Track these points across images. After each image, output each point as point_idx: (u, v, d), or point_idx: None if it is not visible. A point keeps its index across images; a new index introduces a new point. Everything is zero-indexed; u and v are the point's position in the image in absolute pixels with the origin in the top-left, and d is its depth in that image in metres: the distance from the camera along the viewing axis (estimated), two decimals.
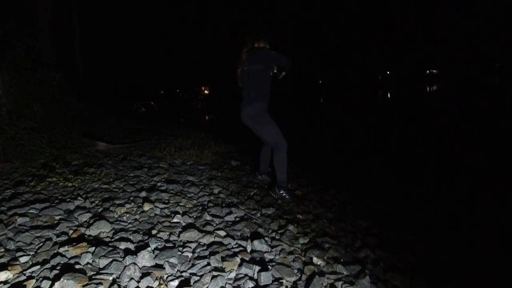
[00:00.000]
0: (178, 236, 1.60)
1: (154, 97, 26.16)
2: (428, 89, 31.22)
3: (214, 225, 1.80)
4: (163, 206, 1.98)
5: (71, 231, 1.56)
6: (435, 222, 2.50)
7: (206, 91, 44.99)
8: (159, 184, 2.54)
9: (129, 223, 1.73)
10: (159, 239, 1.53)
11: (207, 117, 18.28)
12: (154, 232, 1.61)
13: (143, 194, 2.19)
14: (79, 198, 2.02)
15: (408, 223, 2.41)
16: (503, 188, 3.19)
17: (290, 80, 2.77)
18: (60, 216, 1.74)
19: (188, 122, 12.98)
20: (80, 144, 4.36)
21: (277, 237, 1.73)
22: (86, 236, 1.53)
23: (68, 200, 1.98)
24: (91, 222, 1.64)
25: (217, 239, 1.59)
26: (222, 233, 1.66)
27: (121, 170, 2.96)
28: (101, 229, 1.57)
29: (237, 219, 1.92)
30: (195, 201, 2.22)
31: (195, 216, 1.91)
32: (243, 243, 1.56)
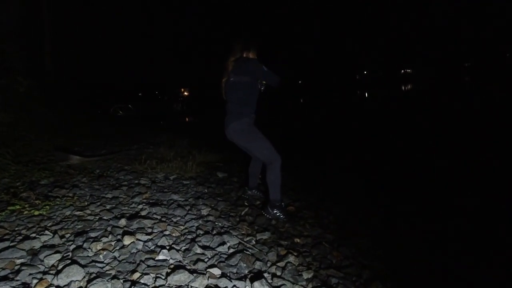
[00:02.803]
0: (166, 279, 1.38)
1: (132, 100, 25.33)
2: (403, 88, 32.23)
3: (206, 260, 1.58)
4: (146, 238, 1.75)
5: (34, 282, 1.30)
6: (430, 232, 2.40)
7: (186, 93, 44.15)
8: (140, 207, 2.29)
9: (107, 263, 1.49)
10: (144, 286, 1.30)
11: (187, 119, 17.90)
12: (136, 275, 1.38)
13: (123, 222, 1.94)
14: (46, 232, 1.75)
15: (406, 236, 2.31)
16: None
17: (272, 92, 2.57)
18: (22, 260, 1.47)
19: (169, 126, 12.57)
20: (51, 158, 3.99)
21: (278, 272, 1.54)
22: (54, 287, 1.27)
23: (33, 236, 1.70)
24: (60, 267, 1.39)
25: (211, 281, 1.38)
26: (217, 271, 1.46)
27: (97, 190, 2.67)
28: (72, 276, 1.32)
29: (231, 250, 1.72)
30: (182, 227, 2.00)
31: (183, 249, 1.68)
32: (241, 284, 1.36)
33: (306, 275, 1.54)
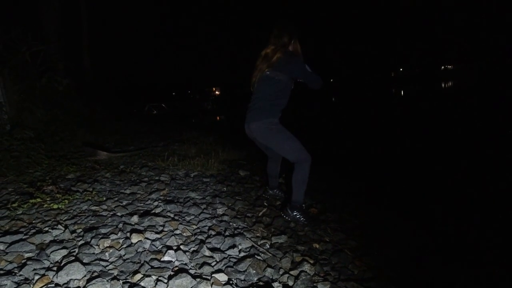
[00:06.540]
0: (167, 283, 1.29)
1: (165, 99, 26.19)
2: (443, 85, 30.19)
3: (213, 264, 1.48)
4: (155, 237, 1.68)
5: (36, 277, 1.27)
6: (471, 244, 2.11)
7: (217, 92, 44.86)
8: (155, 204, 2.24)
9: (111, 262, 1.44)
10: None
11: (218, 118, 18.07)
12: (138, 277, 1.31)
13: (135, 219, 1.90)
14: (59, 226, 1.75)
15: (443, 247, 2.04)
16: None
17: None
18: (30, 254, 1.46)
19: (198, 124, 12.77)
20: (82, 153, 4.14)
21: (290, 282, 1.39)
22: (53, 285, 1.24)
23: (45, 229, 1.70)
24: (62, 263, 1.35)
25: None
26: (222, 277, 1.34)
27: (117, 186, 2.69)
28: (72, 275, 1.27)
29: (242, 254, 1.60)
30: (194, 227, 1.92)
31: (191, 250, 1.60)
32: None
33: (321, 287, 1.38)
